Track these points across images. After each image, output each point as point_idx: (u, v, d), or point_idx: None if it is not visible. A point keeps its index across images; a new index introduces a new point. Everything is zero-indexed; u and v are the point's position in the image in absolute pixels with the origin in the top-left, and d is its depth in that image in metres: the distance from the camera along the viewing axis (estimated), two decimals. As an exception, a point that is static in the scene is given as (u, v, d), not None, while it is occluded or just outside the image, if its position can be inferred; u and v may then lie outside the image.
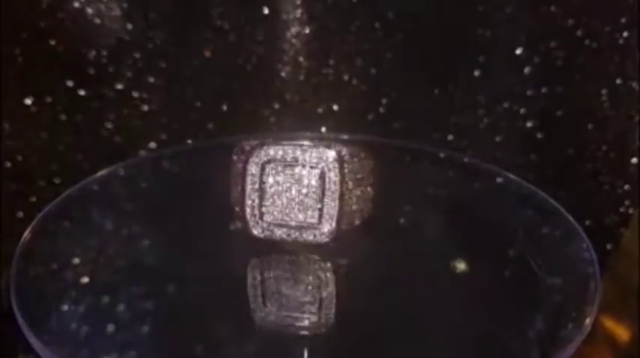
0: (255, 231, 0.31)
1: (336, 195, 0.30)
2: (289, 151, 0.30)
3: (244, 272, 0.33)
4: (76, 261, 0.32)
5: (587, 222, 0.49)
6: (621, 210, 0.50)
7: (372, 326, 0.29)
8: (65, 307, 0.29)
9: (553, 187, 0.43)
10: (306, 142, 0.31)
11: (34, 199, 0.47)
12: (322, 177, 0.30)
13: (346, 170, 0.31)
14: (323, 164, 0.30)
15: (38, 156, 0.47)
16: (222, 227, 0.35)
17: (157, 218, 0.36)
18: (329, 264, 0.33)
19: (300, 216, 0.31)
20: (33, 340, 0.26)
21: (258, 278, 0.32)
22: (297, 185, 0.30)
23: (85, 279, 0.31)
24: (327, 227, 0.30)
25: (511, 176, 0.39)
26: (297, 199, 0.30)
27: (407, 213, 0.37)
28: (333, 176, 0.30)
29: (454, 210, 0.37)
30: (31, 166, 0.47)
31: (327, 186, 0.30)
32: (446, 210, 0.38)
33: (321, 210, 0.30)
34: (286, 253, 0.32)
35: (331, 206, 0.30)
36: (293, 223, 0.31)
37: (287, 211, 0.31)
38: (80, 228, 0.34)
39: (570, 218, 0.35)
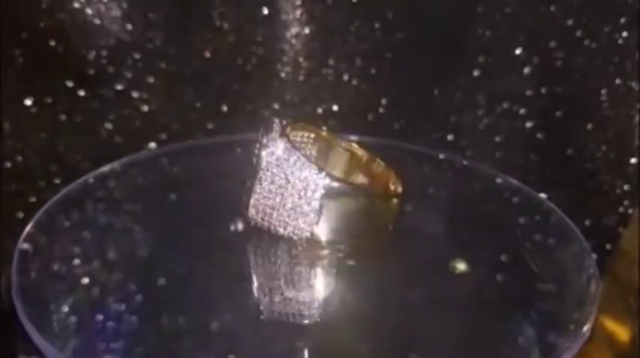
0: None
1: (254, 186, 0.32)
2: (263, 135, 0.32)
3: (244, 271, 0.33)
4: (77, 259, 0.32)
5: (587, 222, 0.49)
6: (621, 210, 0.50)
7: (368, 325, 0.29)
8: (67, 306, 0.29)
9: (552, 187, 0.43)
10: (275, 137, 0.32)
11: (34, 199, 0.47)
12: (255, 162, 0.32)
13: (302, 175, 0.31)
14: (260, 149, 0.32)
15: (38, 156, 0.47)
16: (222, 225, 0.35)
17: (157, 216, 0.36)
18: (328, 263, 0.33)
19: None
20: (37, 339, 0.26)
21: (258, 276, 0.33)
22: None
23: (86, 278, 0.31)
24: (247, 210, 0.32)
25: (509, 178, 0.39)
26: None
27: (406, 214, 0.37)
28: (256, 166, 0.32)
29: (453, 212, 0.37)
30: (31, 166, 0.47)
31: (253, 174, 0.32)
32: (445, 211, 0.38)
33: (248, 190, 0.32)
34: (286, 252, 0.33)
35: (249, 192, 0.32)
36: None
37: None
38: (80, 227, 0.34)
39: (568, 220, 0.35)
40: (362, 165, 0.36)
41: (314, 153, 0.36)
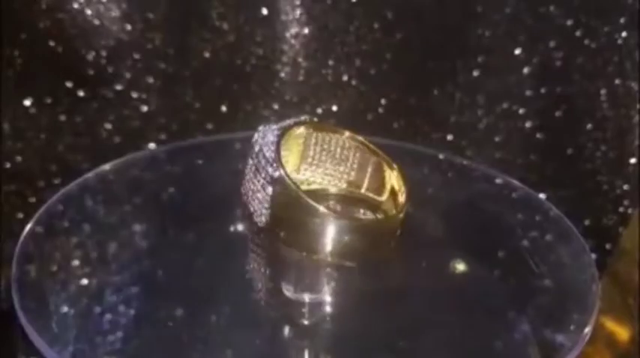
0: None
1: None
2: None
3: (243, 269, 0.33)
4: (76, 260, 0.32)
5: (587, 222, 0.49)
6: (620, 209, 0.50)
7: (368, 326, 0.29)
8: (66, 306, 0.29)
9: (552, 187, 0.43)
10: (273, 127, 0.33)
11: (34, 199, 0.47)
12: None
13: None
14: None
15: (38, 156, 0.47)
16: (223, 224, 0.35)
17: (157, 216, 0.36)
18: (326, 264, 0.33)
19: None
20: (37, 340, 0.26)
21: (257, 275, 0.33)
22: None
23: (86, 278, 0.31)
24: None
25: (509, 178, 0.39)
26: None
27: (406, 214, 0.37)
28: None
29: (453, 212, 0.37)
30: (31, 167, 0.47)
31: None
32: (445, 211, 0.38)
33: None
34: (285, 252, 0.33)
35: None
36: None
37: None
38: (80, 227, 0.34)
39: (567, 220, 0.35)
40: (385, 170, 0.36)
41: (356, 159, 0.36)
